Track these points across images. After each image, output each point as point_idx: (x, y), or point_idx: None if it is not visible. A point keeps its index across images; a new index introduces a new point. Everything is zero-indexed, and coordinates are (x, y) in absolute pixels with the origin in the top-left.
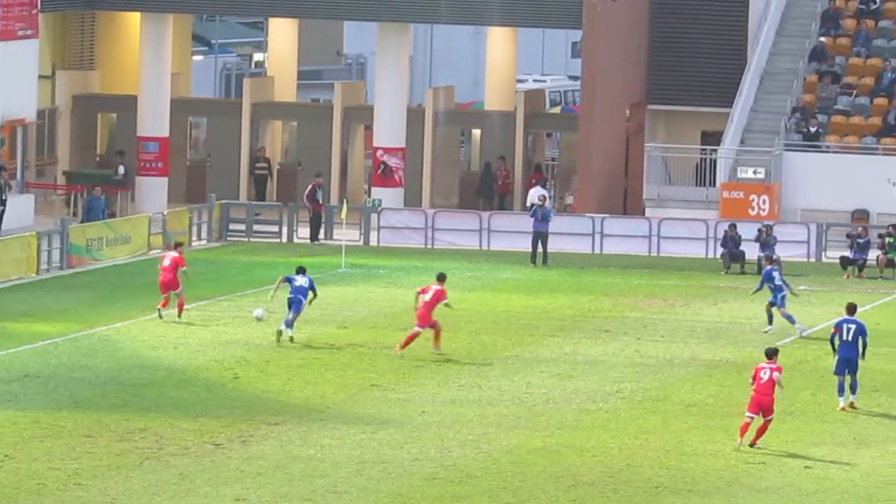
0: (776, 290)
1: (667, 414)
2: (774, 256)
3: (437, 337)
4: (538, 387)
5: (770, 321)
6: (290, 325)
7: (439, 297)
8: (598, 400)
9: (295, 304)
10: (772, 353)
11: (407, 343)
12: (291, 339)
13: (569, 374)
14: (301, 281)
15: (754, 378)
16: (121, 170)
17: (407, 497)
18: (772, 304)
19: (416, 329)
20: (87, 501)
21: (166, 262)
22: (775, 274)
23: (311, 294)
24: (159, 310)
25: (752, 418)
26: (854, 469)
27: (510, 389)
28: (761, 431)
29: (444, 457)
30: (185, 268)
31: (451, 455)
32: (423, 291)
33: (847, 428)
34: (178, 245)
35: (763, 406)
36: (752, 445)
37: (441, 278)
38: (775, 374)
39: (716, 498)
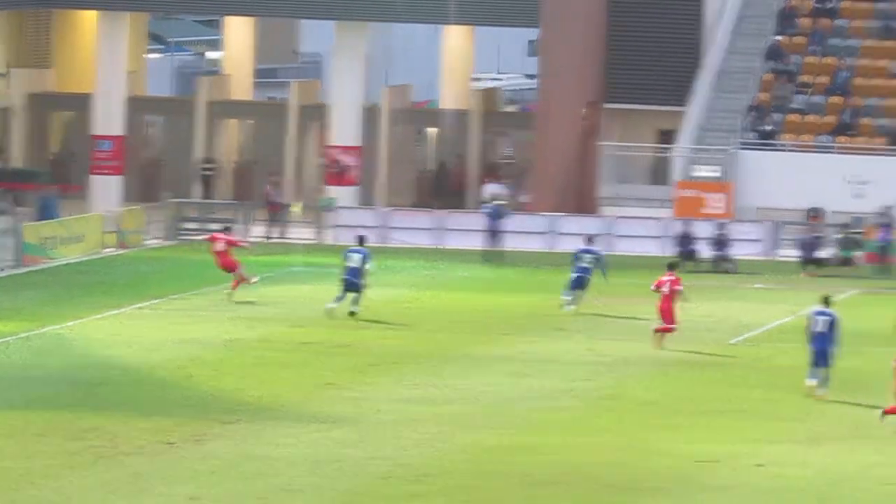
0: (581, 270)
1: (621, 412)
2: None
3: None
4: (493, 385)
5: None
6: (356, 302)
7: (676, 285)
8: (553, 398)
9: (352, 287)
10: None
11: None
12: (352, 314)
13: (523, 372)
14: (354, 261)
15: None
16: None
17: (361, 496)
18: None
19: (668, 326)
20: (41, 500)
21: (220, 247)
22: (586, 256)
23: (366, 269)
24: (231, 292)
25: None
26: (808, 467)
27: (465, 388)
28: None
29: (398, 455)
30: (243, 244)
31: (406, 454)
32: (659, 285)
33: (801, 426)
34: (226, 229)
35: None
36: None
37: (672, 266)
38: None
39: (669, 496)
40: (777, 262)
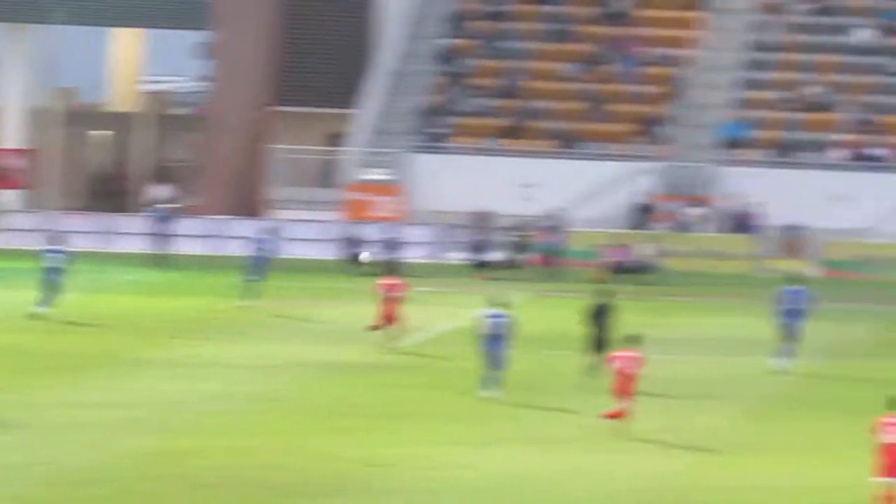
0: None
1: (288, 415)
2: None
3: None
4: (161, 389)
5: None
6: (45, 304)
7: (398, 290)
8: (220, 401)
9: (54, 287)
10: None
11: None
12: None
13: (191, 375)
14: (54, 261)
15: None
16: None
17: (24, 501)
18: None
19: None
20: None
21: None
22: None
23: (64, 270)
24: None
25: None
26: (479, 469)
27: (133, 391)
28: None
29: (65, 460)
30: None
31: (72, 458)
32: (381, 288)
33: (474, 428)
34: None
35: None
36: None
37: (393, 271)
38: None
39: (336, 499)
40: (447, 264)
